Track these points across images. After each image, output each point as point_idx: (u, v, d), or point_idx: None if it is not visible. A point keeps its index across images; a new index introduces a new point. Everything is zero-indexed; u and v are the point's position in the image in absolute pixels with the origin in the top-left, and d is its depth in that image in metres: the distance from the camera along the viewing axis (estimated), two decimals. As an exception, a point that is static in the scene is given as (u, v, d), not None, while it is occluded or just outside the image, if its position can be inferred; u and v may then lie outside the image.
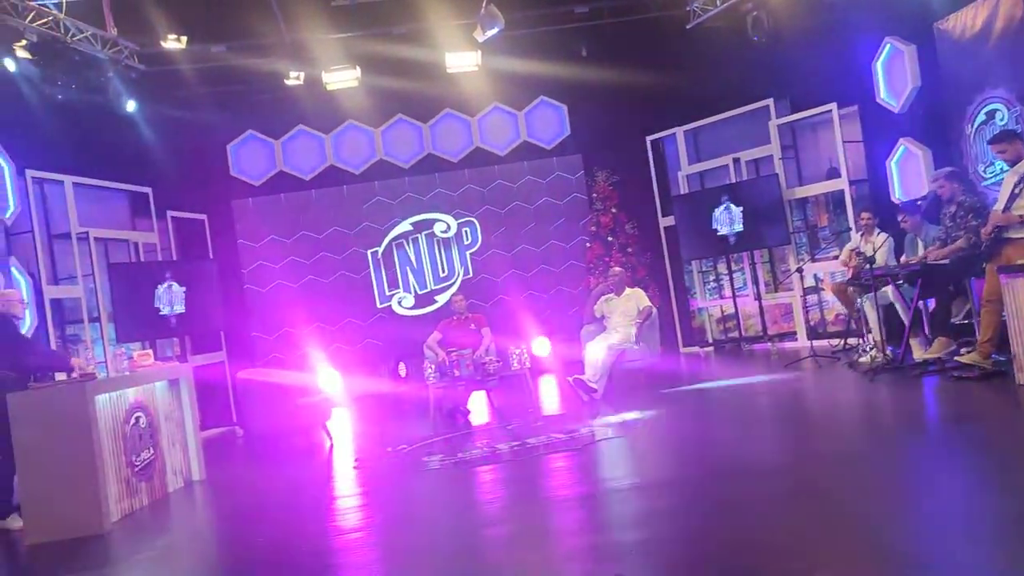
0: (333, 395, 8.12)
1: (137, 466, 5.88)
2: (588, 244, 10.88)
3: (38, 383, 5.52)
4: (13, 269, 7.15)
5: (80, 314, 8.53)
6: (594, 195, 10.97)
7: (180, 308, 9.07)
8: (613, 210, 10.78)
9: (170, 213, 9.91)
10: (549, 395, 8.74)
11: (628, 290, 8.39)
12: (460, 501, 5.02)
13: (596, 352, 7.83)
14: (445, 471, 5.73)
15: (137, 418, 5.99)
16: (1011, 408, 5.25)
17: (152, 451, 6.13)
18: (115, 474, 5.56)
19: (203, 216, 10.45)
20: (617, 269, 8.61)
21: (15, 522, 5.37)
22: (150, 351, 6.84)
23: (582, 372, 7.85)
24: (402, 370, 11.11)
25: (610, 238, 10.67)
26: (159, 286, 8.87)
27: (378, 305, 11.21)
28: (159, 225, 9.77)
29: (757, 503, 3.97)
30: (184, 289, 9.12)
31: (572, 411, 7.30)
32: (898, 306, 7.44)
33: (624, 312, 8.16)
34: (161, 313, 8.87)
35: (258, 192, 11.03)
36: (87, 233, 8.62)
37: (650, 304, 8.29)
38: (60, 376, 5.62)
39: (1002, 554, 2.93)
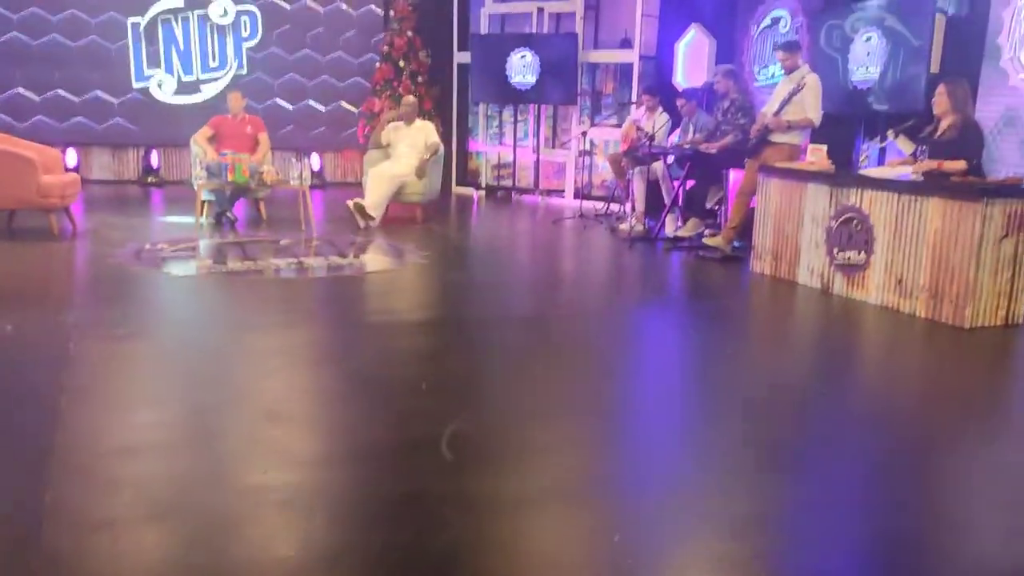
0: (78, 175, 7.23)
1: None
2: (378, 64, 10.39)
3: None
4: None
5: None
6: (391, 13, 10.40)
7: None
8: (410, 33, 10.31)
9: None
10: (322, 214, 8.51)
11: (419, 122, 8.25)
12: (226, 314, 4.85)
13: (379, 180, 7.72)
14: (213, 280, 5.47)
15: None
16: (741, 290, 6.01)
17: None
18: None
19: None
20: (411, 99, 8.39)
21: None
22: None
23: (361, 197, 7.72)
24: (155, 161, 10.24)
25: (402, 62, 10.26)
26: None
27: (133, 84, 10.02)
28: None
29: (510, 350, 4.28)
30: None
31: (347, 236, 7.20)
32: (663, 184, 8.03)
33: (412, 144, 8.04)
34: None
35: (-6, -82, 9.16)
36: None
37: (438, 140, 8.24)
38: None
39: (697, 408, 3.44)
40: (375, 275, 5.95)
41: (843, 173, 5.71)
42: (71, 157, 9.72)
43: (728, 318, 5.30)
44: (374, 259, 6.45)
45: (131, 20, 9.87)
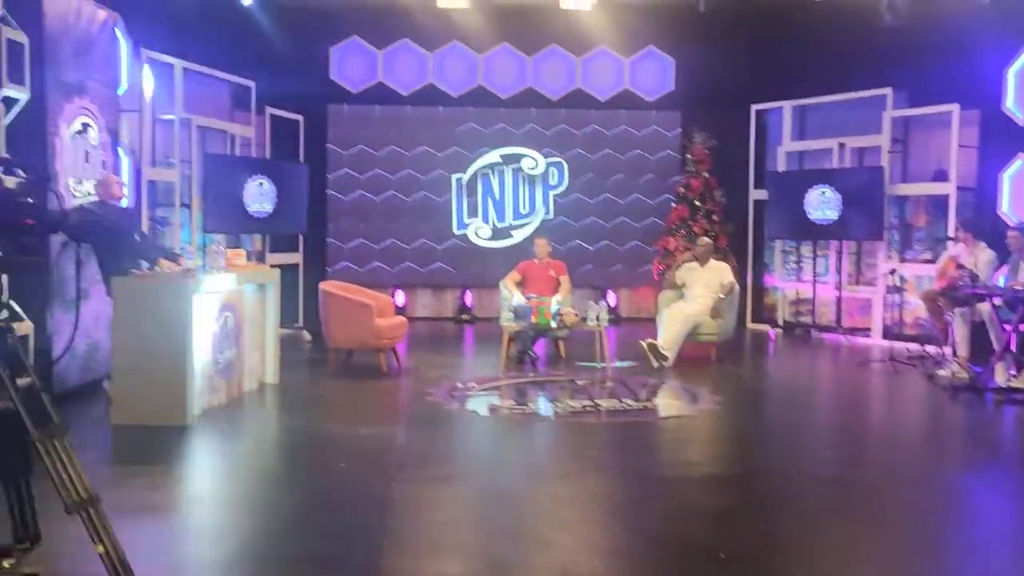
0: (405, 319, 8.17)
1: (220, 364, 6.07)
2: (674, 204, 10.69)
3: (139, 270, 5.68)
4: (120, 148, 7.27)
5: (172, 198, 8.69)
6: (688, 156, 10.72)
7: (268, 207, 9.20)
8: (705, 174, 10.53)
9: (269, 109, 9.97)
10: (616, 351, 8.73)
11: (713, 262, 8.29)
12: (525, 457, 5.11)
13: (673, 320, 7.80)
14: (516, 421, 5.82)
15: (226, 318, 6.16)
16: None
17: (234, 351, 6.31)
18: (201, 370, 5.75)
19: (299, 117, 10.49)
20: (706, 240, 8.49)
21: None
22: (243, 251, 6.97)
23: (655, 337, 7.83)
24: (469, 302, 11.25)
25: (697, 202, 10.46)
26: (250, 182, 9.01)
27: (454, 231, 11.25)
28: (257, 120, 9.84)
29: (815, 514, 4.03)
30: (275, 189, 9.24)
31: (641, 377, 7.26)
32: (991, 327, 7.22)
33: (706, 284, 8.08)
34: (249, 209, 9.02)
35: (354, 100, 11.00)
36: (190, 120, 8.73)
37: (734, 280, 8.20)
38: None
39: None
40: (668, 420, 5.95)
41: None
42: (399, 298, 11.02)
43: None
44: (667, 403, 6.46)
45: (455, 176, 11.19)
